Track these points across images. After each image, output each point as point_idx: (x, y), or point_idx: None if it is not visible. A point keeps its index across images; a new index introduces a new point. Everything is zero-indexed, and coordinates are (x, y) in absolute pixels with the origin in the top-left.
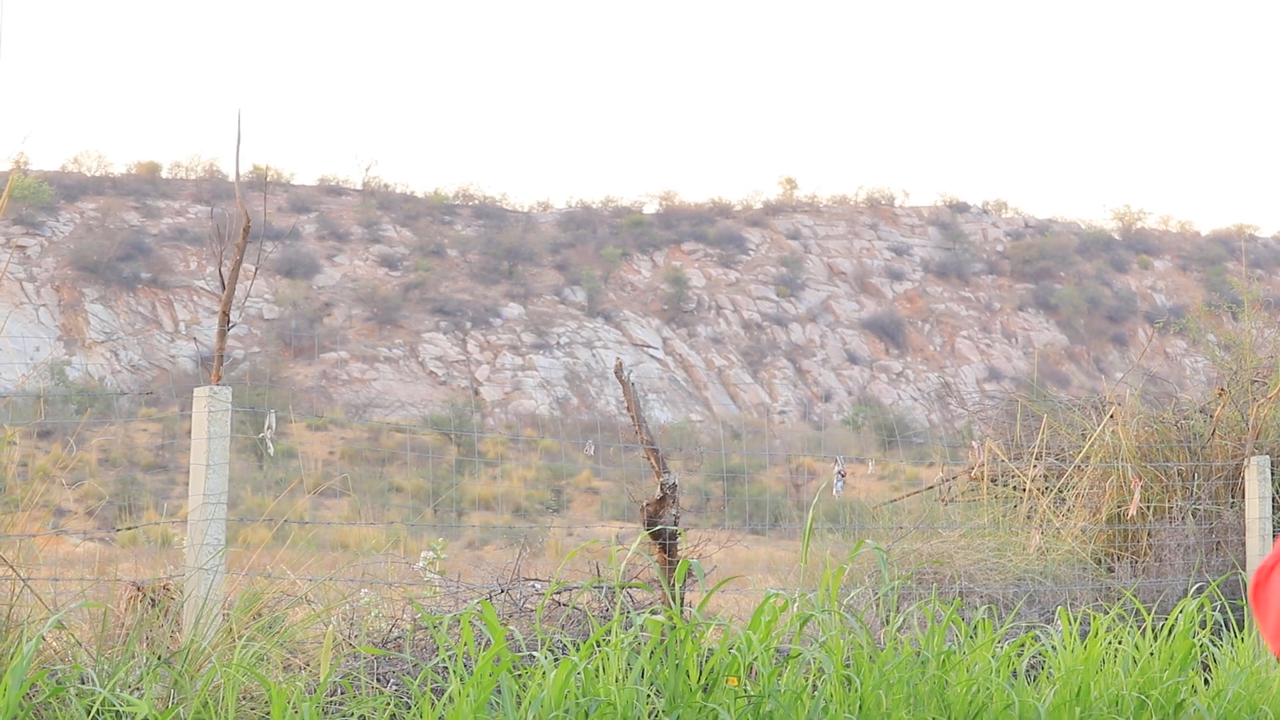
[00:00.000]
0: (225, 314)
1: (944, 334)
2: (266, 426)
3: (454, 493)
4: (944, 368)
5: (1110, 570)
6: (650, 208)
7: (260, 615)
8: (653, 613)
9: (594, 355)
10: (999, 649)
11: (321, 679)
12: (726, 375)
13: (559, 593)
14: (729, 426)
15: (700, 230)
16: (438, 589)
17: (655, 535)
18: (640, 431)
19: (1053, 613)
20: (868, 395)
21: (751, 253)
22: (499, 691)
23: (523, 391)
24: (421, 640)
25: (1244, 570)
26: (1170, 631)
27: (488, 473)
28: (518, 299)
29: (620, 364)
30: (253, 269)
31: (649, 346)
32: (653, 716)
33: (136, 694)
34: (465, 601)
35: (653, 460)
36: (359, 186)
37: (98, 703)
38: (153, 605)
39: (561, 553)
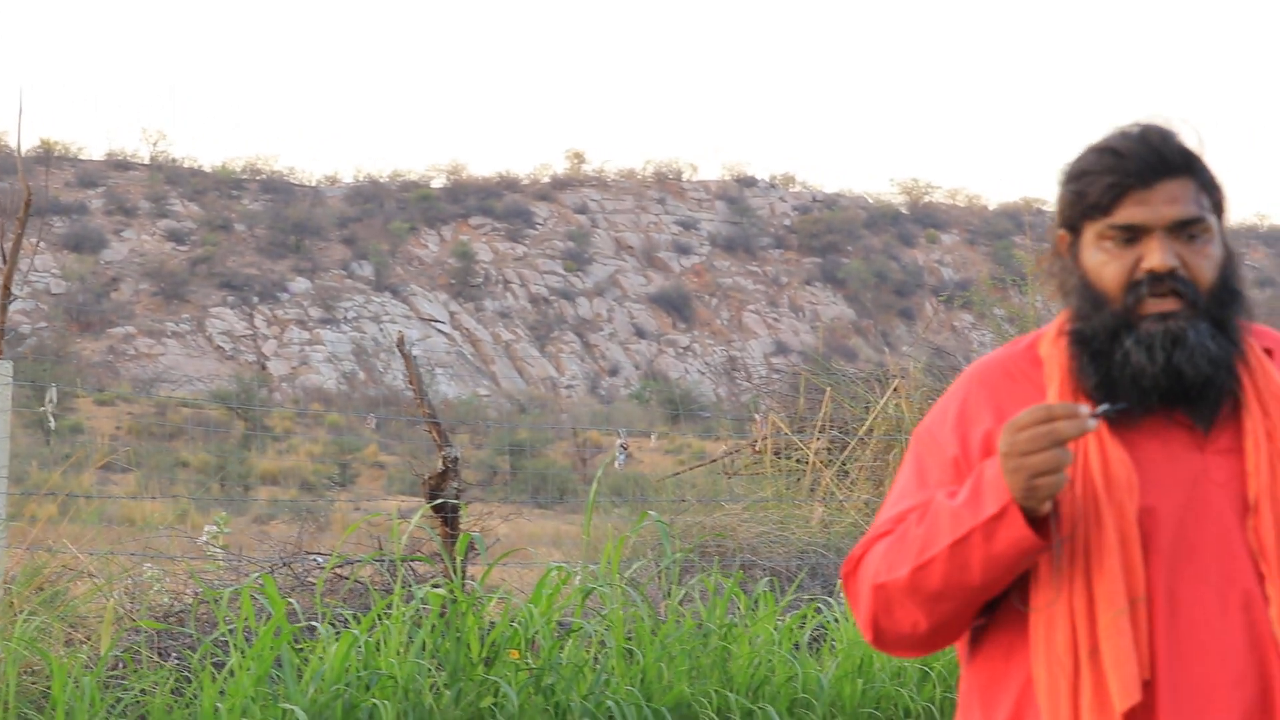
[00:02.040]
0: (6, 288)
1: (731, 308)
2: (48, 400)
3: (241, 468)
4: (731, 342)
5: None
6: (438, 182)
7: (42, 589)
8: (434, 586)
9: (381, 330)
10: (781, 621)
11: (102, 653)
12: (514, 349)
13: (341, 566)
14: (516, 401)
15: (488, 204)
16: (220, 563)
17: (438, 509)
18: (422, 405)
19: (835, 585)
20: (655, 369)
21: (539, 227)
22: (279, 664)
23: (310, 366)
24: (204, 614)
25: None
26: None
27: (275, 447)
28: (305, 273)
29: (402, 337)
30: (38, 243)
31: (436, 321)
32: (434, 689)
33: None
34: (247, 575)
35: (435, 434)
36: (146, 161)
37: None
38: None
39: (347, 527)
